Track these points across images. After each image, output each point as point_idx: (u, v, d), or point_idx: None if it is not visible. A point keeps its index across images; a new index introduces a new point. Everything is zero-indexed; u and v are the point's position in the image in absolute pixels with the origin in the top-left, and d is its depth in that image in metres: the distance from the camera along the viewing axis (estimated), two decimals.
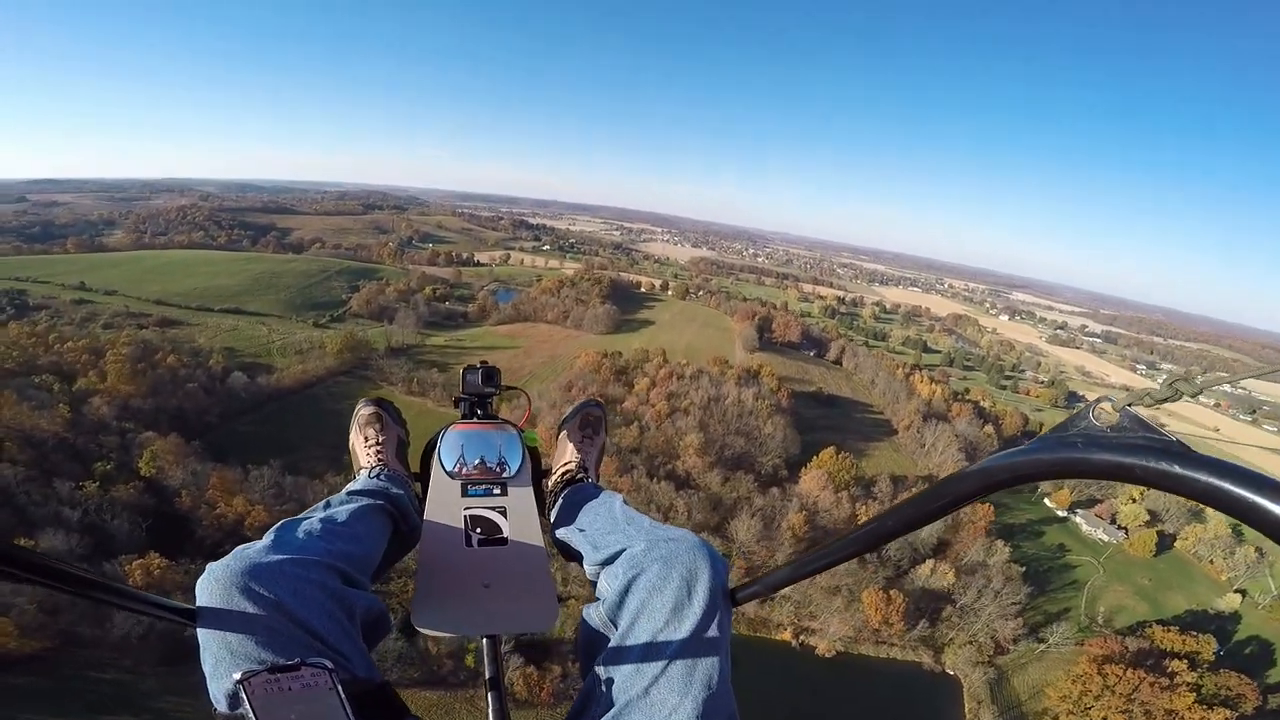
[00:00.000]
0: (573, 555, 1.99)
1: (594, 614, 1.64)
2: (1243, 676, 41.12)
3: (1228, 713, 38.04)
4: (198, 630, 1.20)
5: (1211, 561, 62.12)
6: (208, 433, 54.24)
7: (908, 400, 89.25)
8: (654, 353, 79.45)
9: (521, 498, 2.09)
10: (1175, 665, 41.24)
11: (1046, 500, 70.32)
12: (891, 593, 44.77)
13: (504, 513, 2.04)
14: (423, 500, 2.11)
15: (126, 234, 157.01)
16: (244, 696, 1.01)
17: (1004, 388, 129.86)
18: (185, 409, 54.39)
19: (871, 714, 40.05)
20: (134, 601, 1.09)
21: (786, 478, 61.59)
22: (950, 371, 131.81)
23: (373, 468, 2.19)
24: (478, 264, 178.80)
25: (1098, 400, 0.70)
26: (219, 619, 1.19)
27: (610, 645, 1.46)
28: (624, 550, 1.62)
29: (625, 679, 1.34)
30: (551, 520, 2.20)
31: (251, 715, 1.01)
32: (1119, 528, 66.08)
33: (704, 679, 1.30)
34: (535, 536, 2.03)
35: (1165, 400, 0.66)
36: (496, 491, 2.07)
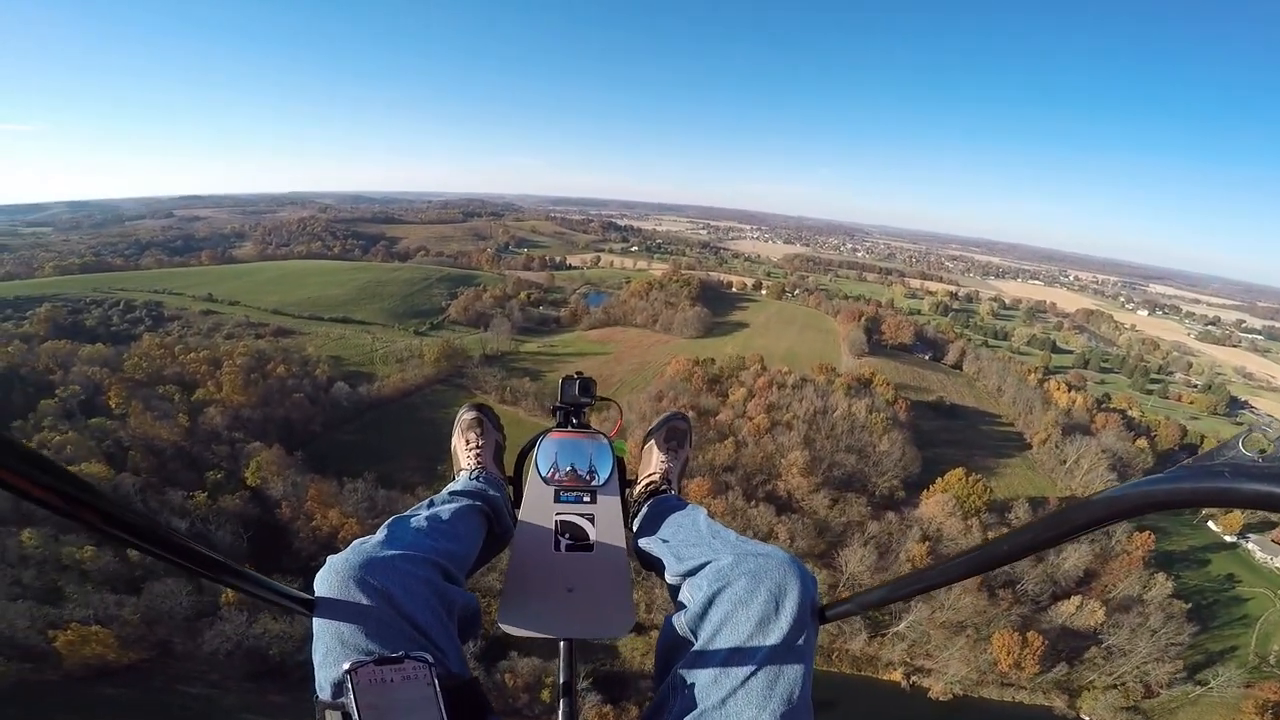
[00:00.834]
0: (653, 565, 2.03)
1: (675, 623, 1.61)
2: None
3: None
4: (313, 620, 1.29)
5: None
6: (312, 441, 55.35)
7: (1043, 410, 78.84)
8: (750, 359, 73.62)
9: (609, 506, 2.17)
10: None
11: (1211, 524, 61.92)
12: (1029, 634, 38.75)
13: (592, 519, 2.11)
14: (514, 503, 2.25)
15: (254, 245, 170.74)
16: (349, 686, 1.05)
17: (1150, 392, 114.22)
18: (292, 418, 55.88)
19: None
20: (260, 588, 1.18)
21: (904, 500, 55.07)
22: (1085, 374, 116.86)
23: (472, 470, 2.28)
24: (569, 267, 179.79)
25: (1249, 430, 0.66)
26: (335, 609, 1.29)
27: (689, 654, 1.46)
28: (709, 563, 1.62)
29: (702, 689, 1.34)
30: (634, 529, 2.24)
31: (353, 703, 1.05)
32: None
33: (784, 694, 1.29)
34: (619, 544, 2.09)
35: None
36: (586, 499, 2.17)
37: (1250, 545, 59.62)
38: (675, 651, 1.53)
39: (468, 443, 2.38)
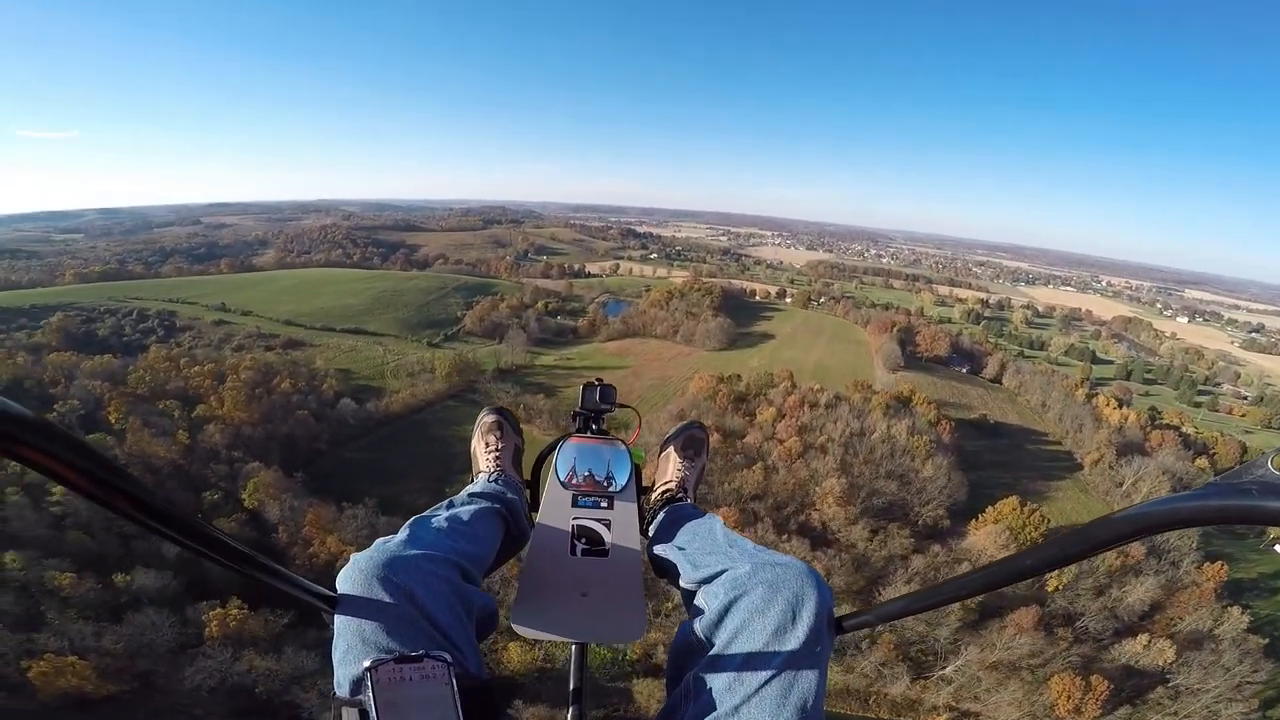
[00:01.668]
0: (668, 571, 2.03)
1: (690, 630, 1.61)
2: None
3: None
4: (335, 616, 1.31)
5: None
6: (316, 460, 53.08)
7: (1094, 428, 73.85)
8: (779, 375, 69.27)
9: (625, 512, 2.17)
10: None
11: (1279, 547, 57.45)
12: (1093, 678, 35.06)
13: (608, 525, 2.12)
14: (530, 507, 2.30)
15: (276, 253, 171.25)
16: (368, 683, 1.07)
17: (1198, 405, 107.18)
18: (295, 436, 53.41)
19: None
20: (284, 582, 1.18)
21: (949, 529, 50.83)
22: (1129, 386, 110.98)
23: (491, 473, 2.32)
24: (589, 275, 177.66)
25: (1277, 450, 0.65)
26: (357, 606, 1.30)
27: (704, 660, 1.46)
28: (725, 571, 1.62)
29: (716, 695, 1.35)
30: (650, 535, 2.28)
31: (371, 701, 1.06)
32: None
33: (798, 703, 1.29)
34: (634, 551, 2.10)
35: None
36: (603, 505, 2.17)
37: None
38: (689, 657, 1.53)
39: (487, 445, 2.42)
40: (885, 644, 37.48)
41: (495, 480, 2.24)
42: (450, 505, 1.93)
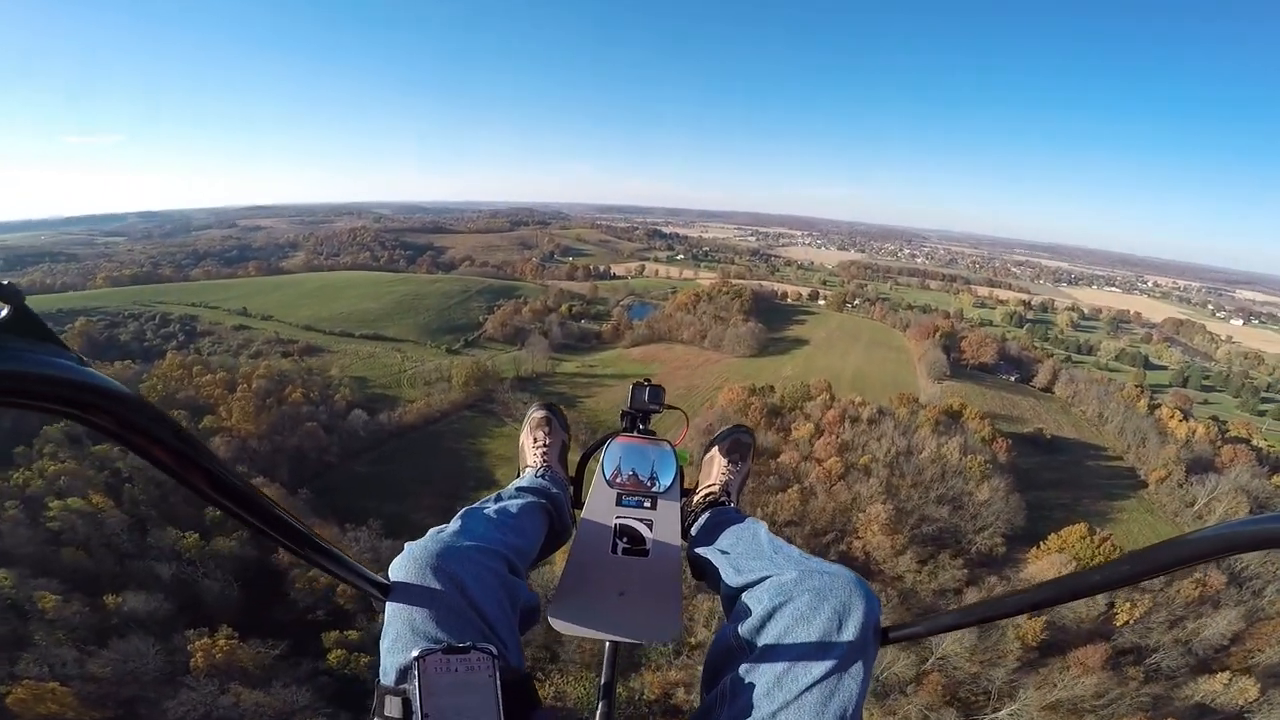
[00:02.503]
0: (707, 575, 2.00)
1: (730, 633, 1.59)
2: None
3: None
4: (387, 605, 1.33)
5: None
6: (325, 474, 51.08)
7: (1160, 442, 67.96)
8: (816, 386, 64.55)
9: (668, 513, 2.18)
10: None
11: None
12: None
13: (650, 525, 2.13)
14: (574, 503, 2.32)
15: (305, 255, 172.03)
16: (415, 672, 1.09)
17: (1262, 414, 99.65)
18: (304, 449, 51.44)
19: None
20: (341, 567, 1.18)
21: (1005, 556, 46.60)
22: (1186, 394, 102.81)
23: (538, 468, 2.35)
24: (614, 277, 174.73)
25: None
26: (409, 594, 1.32)
27: (742, 666, 1.44)
28: (770, 577, 1.59)
29: (754, 699, 1.34)
30: (691, 537, 2.23)
31: (416, 690, 1.08)
32: None
33: (838, 711, 1.28)
34: (674, 552, 2.11)
35: None
36: (646, 505, 2.18)
37: None
38: (727, 660, 1.52)
39: (535, 440, 2.44)
40: (931, 685, 34.00)
41: (542, 475, 2.27)
42: (499, 498, 1.96)
